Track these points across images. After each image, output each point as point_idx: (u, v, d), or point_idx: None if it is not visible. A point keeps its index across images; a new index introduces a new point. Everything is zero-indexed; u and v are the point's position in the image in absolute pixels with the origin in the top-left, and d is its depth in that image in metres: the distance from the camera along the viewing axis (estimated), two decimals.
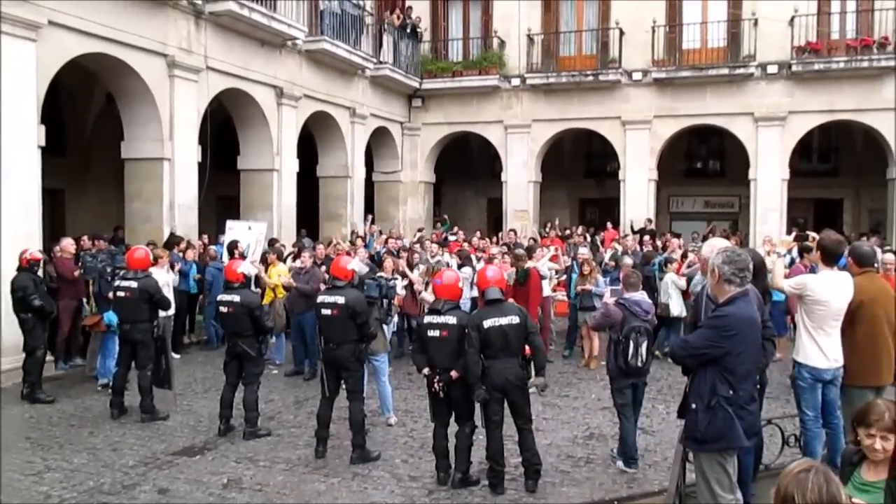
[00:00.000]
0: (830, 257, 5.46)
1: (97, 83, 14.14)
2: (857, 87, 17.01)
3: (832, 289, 5.37)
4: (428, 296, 10.42)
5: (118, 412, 8.10)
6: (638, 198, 18.85)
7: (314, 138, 17.48)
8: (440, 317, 6.13)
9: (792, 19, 16.99)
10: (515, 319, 5.96)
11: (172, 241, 11.60)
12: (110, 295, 8.48)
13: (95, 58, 11.08)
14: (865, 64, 16.71)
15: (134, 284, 8.03)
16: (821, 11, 17.31)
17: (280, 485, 6.29)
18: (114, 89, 12.36)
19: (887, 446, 3.08)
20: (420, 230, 17.10)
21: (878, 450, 3.10)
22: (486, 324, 5.88)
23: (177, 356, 10.83)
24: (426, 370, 6.18)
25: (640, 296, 6.60)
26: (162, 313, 8.78)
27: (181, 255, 11.42)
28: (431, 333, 6.13)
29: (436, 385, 6.07)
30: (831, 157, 21.68)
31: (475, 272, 10.28)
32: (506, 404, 6.04)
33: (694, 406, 4.07)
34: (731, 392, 3.97)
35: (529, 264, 10.40)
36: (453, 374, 5.99)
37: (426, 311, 6.97)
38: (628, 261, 10.98)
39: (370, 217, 18.78)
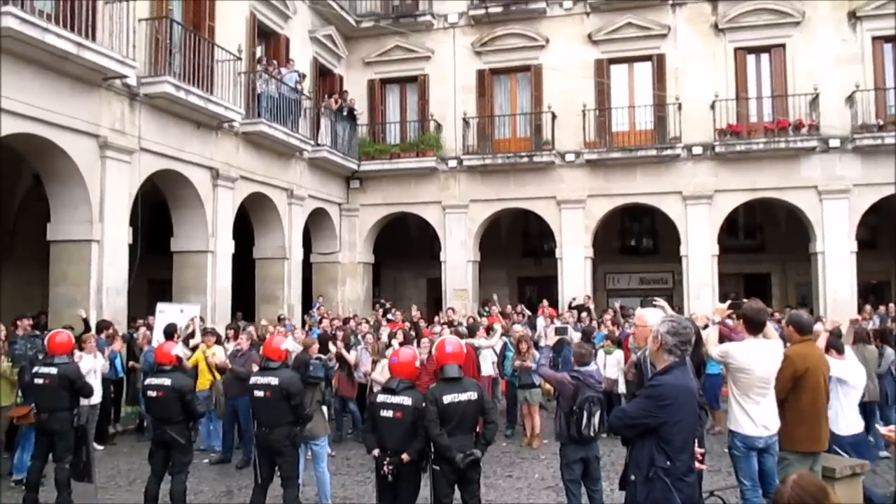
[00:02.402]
0: (753, 326, 5.56)
1: (24, 164, 13.78)
2: (777, 166, 17.88)
3: (755, 357, 5.44)
4: (378, 376, 10.28)
5: None
6: (575, 275, 19.11)
7: (250, 219, 17.29)
8: (394, 396, 5.88)
9: (713, 103, 17.89)
10: (473, 395, 5.84)
11: (101, 326, 11.14)
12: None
13: (23, 138, 10.81)
14: (783, 145, 17.62)
15: (54, 371, 7.57)
16: (739, 96, 18.29)
17: None
18: (42, 170, 12.03)
19: None
20: (354, 316, 16.82)
21: None
22: (446, 399, 5.71)
23: (100, 447, 10.26)
24: (376, 451, 5.92)
25: (592, 368, 6.60)
26: (84, 401, 8.33)
27: (108, 340, 10.96)
28: (384, 414, 5.87)
29: (385, 468, 5.80)
30: (757, 234, 22.56)
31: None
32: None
33: (633, 478, 3.98)
34: (668, 463, 3.90)
35: (465, 341, 10.30)
36: (404, 457, 5.74)
37: (380, 389, 6.74)
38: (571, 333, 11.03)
39: (320, 299, 18.59)
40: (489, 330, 12.21)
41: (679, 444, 3.95)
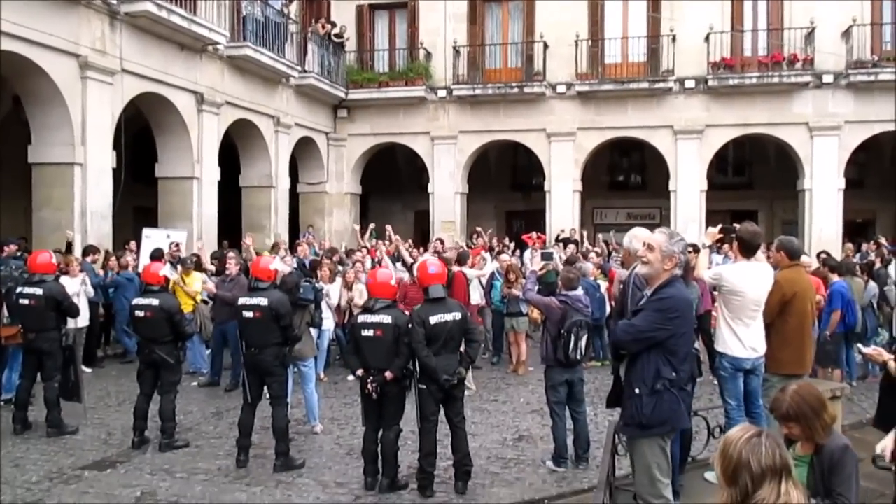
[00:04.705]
0: (747, 248, 5.57)
1: (2, 86, 13.41)
2: (769, 102, 17.74)
3: (748, 279, 5.47)
4: (360, 300, 10.28)
5: (21, 427, 7.57)
6: (563, 209, 19.10)
7: (237, 147, 17.04)
8: (374, 316, 5.94)
9: (707, 36, 17.60)
10: (458, 315, 5.91)
11: (87, 251, 11.05)
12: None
13: (1, 57, 10.49)
14: (776, 80, 17.43)
15: (39, 291, 7.54)
16: (734, 29, 17.99)
17: (198, 496, 5.98)
18: (21, 91, 11.74)
19: (793, 432, 3.20)
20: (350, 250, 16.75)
21: (785, 434, 3.20)
22: (433, 319, 5.77)
23: (89, 370, 10.30)
24: (359, 371, 5.98)
25: (580, 292, 6.63)
26: (71, 323, 8.32)
27: (94, 264, 10.89)
28: (365, 333, 5.94)
29: (369, 386, 5.87)
30: (746, 171, 22.52)
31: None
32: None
33: (637, 391, 4.01)
34: (673, 374, 3.96)
35: (455, 268, 10.31)
36: (388, 374, 5.81)
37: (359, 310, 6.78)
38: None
39: (310, 228, 18.52)
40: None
41: (682, 355, 4.02)
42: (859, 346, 4.46)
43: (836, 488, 3.09)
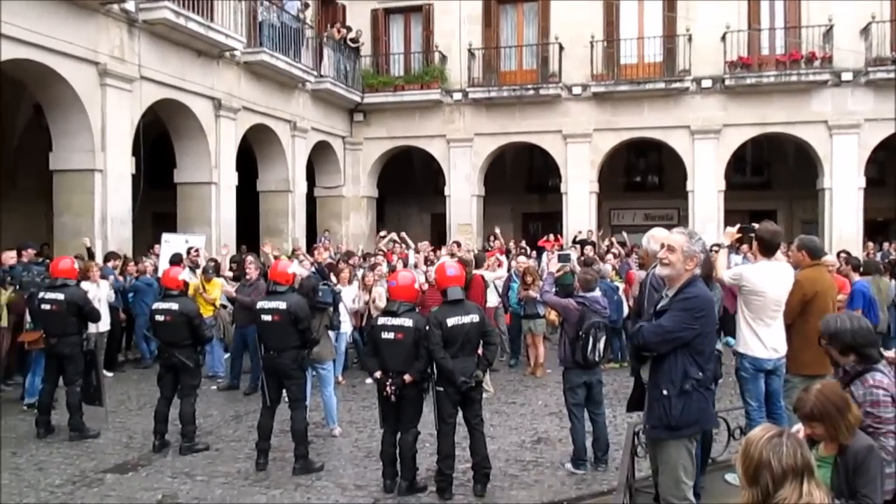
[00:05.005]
0: (767, 248, 5.51)
1: (24, 94, 13.60)
2: (788, 100, 17.60)
3: (769, 279, 5.41)
4: (381, 303, 10.29)
5: (45, 431, 7.65)
6: (580, 211, 19.05)
7: (254, 152, 17.15)
8: (395, 318, 5.94)
9: (724, 35, 17.48)
10: (476, 318, 5.89)
11: (108, 257, 11.17)
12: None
13: (22, 65, 10.65)
14: (794, 78, 17.29)
15: (61, 296, 7.61)
16: (751, 28, 17.87)
17: (219, 498, 6.01)
18: (42, 99, 11.89)
19: (816, 432, 3.15)
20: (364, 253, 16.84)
21: (807, 434, 3.16)
22: (450, 322, 5.76)
23: (110, 374, 10.39)
24: (377, 374, 5.99)
25: (597, 294, 6.60)
26: (93, 328, 8.41)
27: (114, 269, 10.99)
28: (385, 336, 5.94)
29: (387, 389, 5.87)
30: (764, 171, 22.36)
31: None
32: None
33: (665, 392, 3.97)
34: (700, 374, 3.94)
35: (475, 272, 10.32)
36: (406, 377, 5.81)
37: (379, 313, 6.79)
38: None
39: (326, 233, 18.60)
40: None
41: (708, 354, 4.00)
42: (882, 350, 4.40)
43: (860, 489, 3.05)
